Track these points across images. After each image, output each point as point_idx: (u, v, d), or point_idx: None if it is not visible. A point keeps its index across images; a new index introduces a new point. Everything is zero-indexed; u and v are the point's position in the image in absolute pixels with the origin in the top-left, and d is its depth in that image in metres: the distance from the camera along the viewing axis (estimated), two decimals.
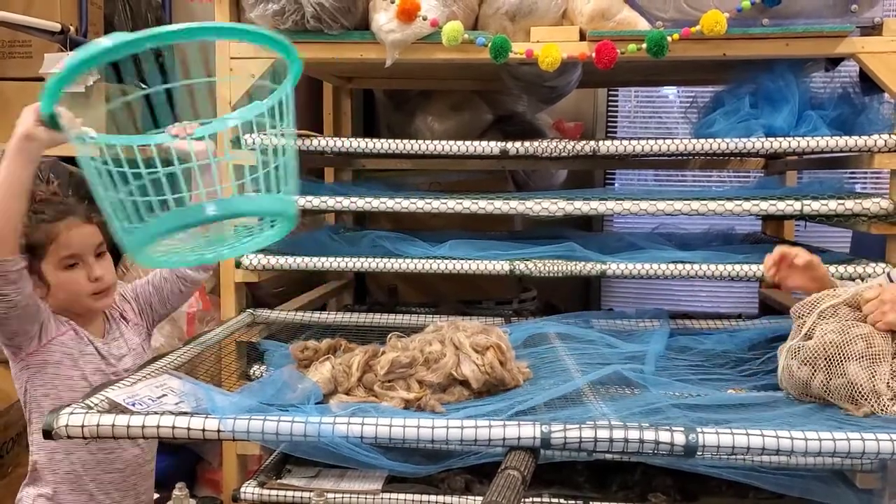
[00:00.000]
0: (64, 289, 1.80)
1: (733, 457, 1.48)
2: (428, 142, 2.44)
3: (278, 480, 1.97)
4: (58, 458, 1.83)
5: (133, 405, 1.46)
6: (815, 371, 1.65)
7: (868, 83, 2.45)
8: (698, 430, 1.36)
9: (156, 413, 1.43)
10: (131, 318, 2.01)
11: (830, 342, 1.64)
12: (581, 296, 3.98)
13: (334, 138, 2.50)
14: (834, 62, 2.70)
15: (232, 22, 2.47)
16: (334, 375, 1.67)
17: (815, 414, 1.62)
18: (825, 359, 1.63)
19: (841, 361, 1.62)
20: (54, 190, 1.91)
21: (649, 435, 1.35)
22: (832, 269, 2.32)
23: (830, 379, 1.62)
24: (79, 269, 1.81)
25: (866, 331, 1.64)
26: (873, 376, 1.60)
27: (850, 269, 2.31)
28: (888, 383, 1.60)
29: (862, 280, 2.22)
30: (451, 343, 1.74)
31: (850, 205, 2.28)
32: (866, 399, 1.59)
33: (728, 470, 1.66)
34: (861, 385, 1.59)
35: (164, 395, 1.53)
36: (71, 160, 2.79)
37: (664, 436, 1.35)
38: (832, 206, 2.29)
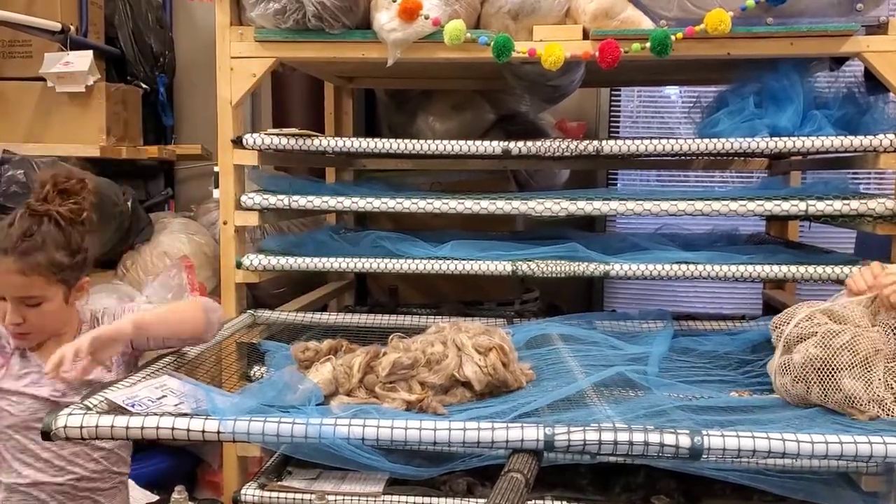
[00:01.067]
0: None
1: (738, 459, 1.46)
2: (429, 142, 2.43)
3: (279, 482, 1.96)
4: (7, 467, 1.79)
5: (133, 406, 1.45)
6: (809, 386, 1.63)
7: (873, 82, 2.44)
8: (704, 432, 1.34)
9: (155, 414, 1.42)
10: None
11: (815, 357, 1.61)
12: (584, 297, 3.97)
13: (335, 138, 2.49)
14: (839, 61, 2.69)
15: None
16: (335, 376, 1.66)
17: (820, 417, 1.60)
18: (815, 372, 1.61)
19: (832, 375, 1.59)
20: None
21: (654, 437, 1.34)
22: (836, 269, 2.31)
23: (827, 393, 1.60)
24: (4, 303, 1.73)
25: (847, 338, 1.61)
26: (870, 384, 1.58)
27: (855, 269, 2.29)
28: (889, 384, 1.59)
29: None
30: (454, 344, 1.73)
31: (855, 205, 2.27)
32: (869, 407, 1.57)
33: (732, 473, 1.64)
34: (859, 397, 1.57)
35: (163, 397, 1.51)
36: (70, 160, 2.78)
37: (669, 438, 1.34)
38: (837, 206, 2.28)
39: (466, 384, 1.68)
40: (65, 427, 1.39)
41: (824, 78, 2.88)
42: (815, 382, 1.62)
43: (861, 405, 1.57)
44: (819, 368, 1.61)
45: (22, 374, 1.78)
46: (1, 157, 2.57)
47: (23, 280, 1.70)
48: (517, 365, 1.77)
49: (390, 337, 1.82)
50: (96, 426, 1.39)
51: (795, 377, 1.65)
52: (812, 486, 1.71)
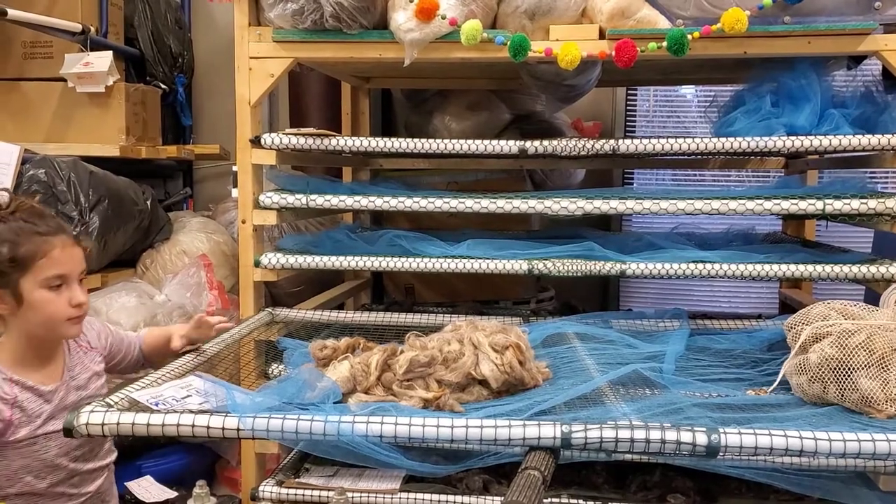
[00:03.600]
0: (41, 310, 1.66)
1: (755, 457, 1.46)
2: (445, 141, 2.44)
3: (296, 479, 1.97)
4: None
5: (157, 405, 1.46)
6: (825, 385, 1.63)
7: (891, 81, 2.43)
8: (721, 430, 1.35)
9: (175, 411, 1.43)
10: (96, 346, 1.89)
11: (830, 357, 1.62)
12: (599, 296, 3.97)
13: (352, 138, 2.50)
14: (856, 60, 2.68)
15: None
16: (353, 374, 1.67)
17: (837, 415, 1.60)
18: (831, 372, 1.62)
19: (848, 375, 1.59)
20: (34, 204, 1.75)
21: (671, 435, 1.34)
22: (853, 269, 2.30)
23: (844, 393, 1.60)
24: (62, 291, 1.67)
25: (863, 338, 1.61)
26: (886, 383, 1.58)
27: (873, 269, 2.29)
28: None
29: (887, 282, 2.20)
30: (470, 343, 1.74)
31: (872, 204, 2.26)
32: (886, 406, 1.57)
33: (749, 471, 1.64)
34: (876, 397, 1.57)
35: (188, 396, 1.52)
36: (90, 160, 2.81)
37: (686, 436, 1.34)
38: (855, 205, 2.27)
39: (483, 382, 1.69)
40: (87, 424, 1.41)
41: (842, 77, 2.87)
42: (831, 382, 1.62)
43: (878, 404, 1.57)
44: (835, 368, 1.61)
45: (39, 413, 1.71)
46: (22, 157, 2.59)
47: (79, 251, 1.71)
48: (533, 363, 1.78)
49: (407, 335, 1.83)
50: (117, 423, 1.41)
51: (812, 377, 1.65)
52: (829, 485, 1.70)
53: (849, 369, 1.60)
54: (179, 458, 2.82)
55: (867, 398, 1.57)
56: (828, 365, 1.62)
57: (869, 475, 1.85)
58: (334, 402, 1.58)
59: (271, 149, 2.44)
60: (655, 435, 1.34)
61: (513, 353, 1.70)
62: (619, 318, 2.40)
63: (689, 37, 2.27)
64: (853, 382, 1.59)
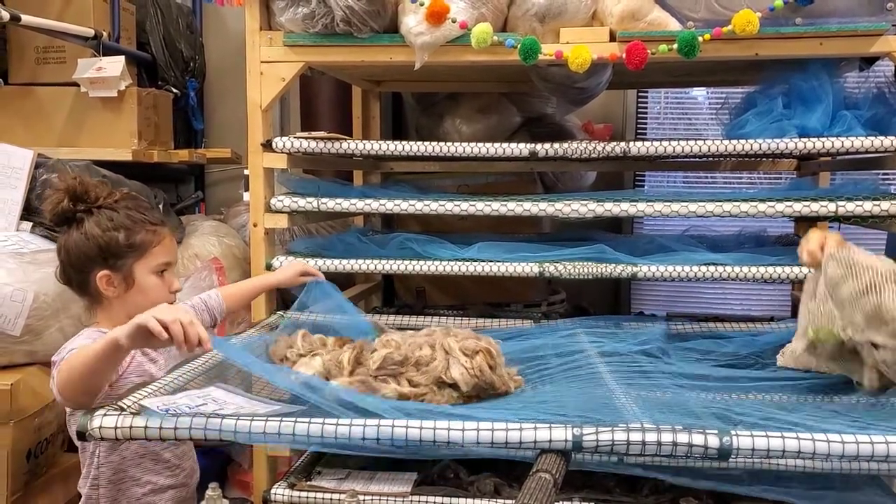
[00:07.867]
0: (147, 293, 1.77)
1: (767, 460, 1.46)
2: (456, 144, 2.44)
3: (308, 482, 1.97)
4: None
5: (167, 412, 1.45)
6: (835, 292, 1.67)
7: None
8: (732, 432, 1.34)
9: (186, 415, 1.43)
10: None
11: (838, 275, 1.65)
12: (611, 299, 3.96)
13: (363, 141, 2.51)
14: (868, 61, 2.67)
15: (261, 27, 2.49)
16: (327, 369, 1.69)
17: (850, 417, 1.59)
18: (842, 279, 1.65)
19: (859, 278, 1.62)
20: (134, 193, 1.88)
21: (682, 438, 1.34)
22: None
23: (857, 300, 1.63)
24: (164, 277, 1.80)
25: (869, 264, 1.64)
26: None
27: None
28: None
29: None
30: (441, 348, 1.74)
31: (885, 206, 2.25)
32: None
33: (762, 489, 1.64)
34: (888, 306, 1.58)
35: (203, 404, 1.51)
36: (102, 164, 2.83)
37: (697, 438, 1.33)
38: (867, 206, 2.26)
39: (453, 386, 1.69)
40: (100, 427, 1.41)
41: (854, 78, 2.85)
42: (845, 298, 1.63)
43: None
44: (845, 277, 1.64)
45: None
46: (35, 162, 2.61)
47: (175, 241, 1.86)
48: (504, 369, 1.78)
49: (382, 335, 1.85)
50: (130, 427, 1.41)
51: (822, 295, 1.68)
52: (841, 492, 1.70)
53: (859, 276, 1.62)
54: None
55: (879, 309, 1.58)
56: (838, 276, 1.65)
57: (883, 479, 1.84)
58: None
59: (282, 152, 2.45)
60: (667, 437, 1.34)
61: (483, 358, 1.70)
62: (630, 321, 2.40)
63: (700, 39, 2.27)
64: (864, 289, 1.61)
